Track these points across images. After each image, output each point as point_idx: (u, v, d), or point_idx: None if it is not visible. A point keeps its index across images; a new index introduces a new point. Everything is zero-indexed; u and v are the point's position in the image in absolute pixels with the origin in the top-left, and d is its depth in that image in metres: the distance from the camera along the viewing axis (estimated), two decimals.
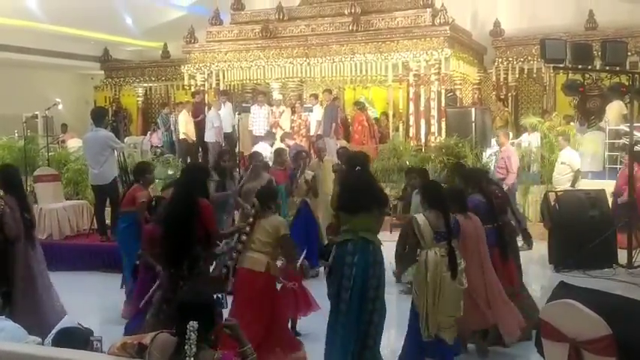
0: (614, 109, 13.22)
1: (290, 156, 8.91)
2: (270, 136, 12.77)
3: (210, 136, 13.65)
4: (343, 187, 5.27)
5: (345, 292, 4.69)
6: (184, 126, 14.05)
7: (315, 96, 14.39)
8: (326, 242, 7.88)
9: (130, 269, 6.24)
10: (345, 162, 5.77)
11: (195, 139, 14.14)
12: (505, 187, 6.70)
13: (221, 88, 14.85)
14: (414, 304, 4.93)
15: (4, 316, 3.68)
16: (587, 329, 3.33)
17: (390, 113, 15.84)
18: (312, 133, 13.63)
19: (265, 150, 11.50)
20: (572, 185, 9.58)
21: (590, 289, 4.06)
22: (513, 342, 5.39)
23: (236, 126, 13.57)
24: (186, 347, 2.85)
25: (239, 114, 13.01)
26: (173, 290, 4.71)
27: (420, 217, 4.92)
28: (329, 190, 8.11)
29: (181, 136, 14.13)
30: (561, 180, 10.14)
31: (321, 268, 7.58)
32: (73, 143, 14.35)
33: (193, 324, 2.86)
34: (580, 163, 10.17)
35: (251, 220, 5.06)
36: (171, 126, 14.89)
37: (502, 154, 10.01)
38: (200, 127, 14.11)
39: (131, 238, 6.34)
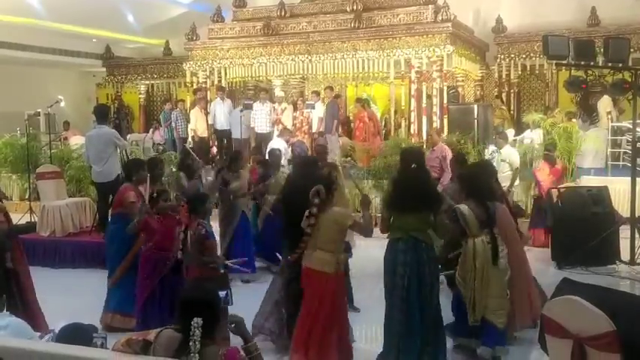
0: (603, 105, 13.25)
1: (295, 152, 8.91)
2: (286, 133, 12.76)
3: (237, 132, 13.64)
4: (396, 185, 5.08)
5: (400, 289, 4.72)
6: (194, 122, 14.05)
7: (317, 93, 14.39)
8: None
9: (111, 270, 6.25)
10: (400, 159, 5.64)
11: (206, 135, 14.15)
12: (440, 188, 6.42)
13: (223, 86, 14.85)
14: (459, 292, 5.09)
15: (8, 312, 3.68)
16: (591, 325, 3.33)
17: (392, 110, 15.85)
18: (313, 130, 13.63)
19: (281, 146, 11.52)
20: (511, 184, 9.14)
21: (594, 286, 4.07)
22: (523, 327, 5.48)
23: (231, 121, 13.58)
24: (190, 344, 2.86)
25: (241, 111, 13.00)
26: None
27: (464, 207, 5.02)
28: None
29: (190, 133, 14.11)
30: (500, 178, 9.90)
31: None
32: (76, 140, 14.37)
33: (197, 320, 2.86)
34: (519, 161, 9.86)
35: (312, 221, 4.67)
36: (172, 123, 14.88)
37: (435, 153, 9.57)
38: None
39: (118, 240, 6.14)
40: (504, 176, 9.24)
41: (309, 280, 4.76)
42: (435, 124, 12.98)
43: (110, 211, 6.39)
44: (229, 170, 7.99)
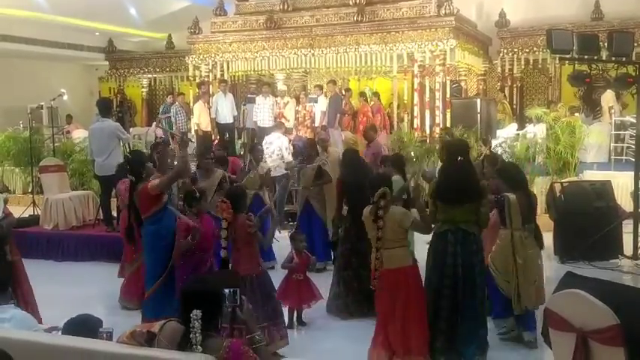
0: (606, 99, 13.23)
1: (297, 147, 8.92)
2: (281, 126, 12.73)
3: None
4: (443, 177, 5.18)
5: (449, 279, 4.88)
6: (198, 116, 14.04)
7: (319, 87, 14.36)
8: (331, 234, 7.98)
9: (159, 272, 5.59)
10: (445, 152, 5.65)
11: (209, 129, 14.15)
12: None
13: (225, 79, 14.83)
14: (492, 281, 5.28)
15: (13, 304, 3.69)
16: (595, 319, 3.33)
17: (395, 104, 15.83)
18: (316, 124, 13.61)
19: (279, 139, 11.50)
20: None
21: (598, 279, 4.07)
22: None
23: (240, 116, 13.58)
24: (191, 335, 2.87)
25: (244, 104, 12.99)
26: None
27: (513, 197, 5.27)
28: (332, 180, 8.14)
29: (194, 127, 14.09)
30: None
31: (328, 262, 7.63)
32: (78, 134, 14.39)
33: (197, 312, 2.88)
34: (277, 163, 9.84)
35: (381, 224, 4.72)
36: (172, 117, 14.85)
37: (371, 150, 9.33)
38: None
39: (159, 247, 5.60)
40: None
41: (392, 282, 4.80)
42: (437, 119, 12.98)
43: (143, 214, 5.67)
44: (197, 167, 7.71)
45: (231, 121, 13.82)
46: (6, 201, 5.63)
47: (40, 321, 5.00)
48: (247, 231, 4.99)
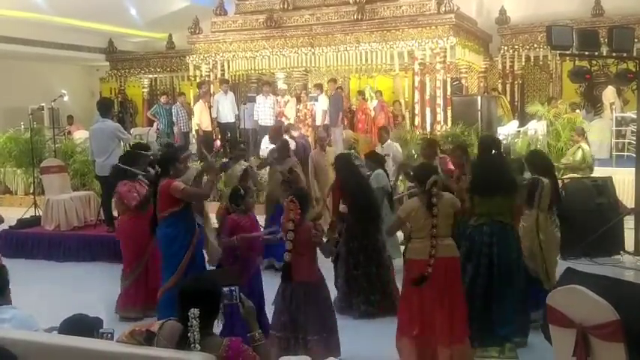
0: (607, 96, 13.22)
1: (299, 145, 8.91)
2: (291, 127, 12.72)
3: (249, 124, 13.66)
4: (478, 171, 5.39)
5: (484, 268, 5.11)
6: (199, 116, 14.05)
7: (319, 86, 14.35)
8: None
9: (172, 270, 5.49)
10: (480, 146, 5.99)
11: (210, 128, 14.15)
12: None
13: (226, 78, 14.84)
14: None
15: (12, 305, 3.69)
16: (595, 315, 3.32)
17: (403, 101, 15.80)
18: (318, 122, 13.60)
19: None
20: (396, 178, 8.74)
21: (598, 275, 4.06)
22: None
23: (240, 115, 13.57)
24: (189, 334, 2.87)
25: (244, 104, 13.00)
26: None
27: (547, 181, 5.58)
28: (330, 180, 8.14)
29: (194, 127, 14.09)
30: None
31: None
32: (79, 134, 14.41)
33: (194, 311, 2.87)
34: (402, 156, 9.62)
35: (435, 210, 4.70)
36: (174, 117, 14.85)
37: (385, 152, 9.04)
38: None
39: (178, 245, 5.49)
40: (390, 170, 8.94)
41: (444, 270, 4.74)
42: (438, 116, 12.97)
43: (161, 213, 5.49)
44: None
45: (233, 120, 13.82)
46: None
47: None
48: (311, 237, 4.78)
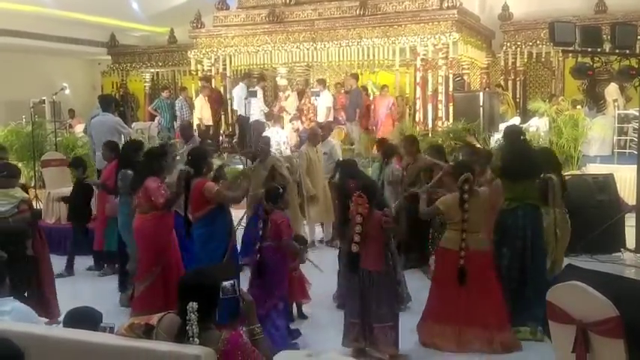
0: (610, 92, 13.18)
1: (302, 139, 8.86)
2: (279, 120, 12.70)
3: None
4: (510, 157, 5.74)
5: (520, 251, 5.43)
6: (199, 111, 14.03)
7: (322, 81, 14.32)
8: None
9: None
10: (505, 136, 6.40)
11: (211, 123, 14.12)
12: None
13: (227, 74, 14.84)
14: None
15: (11, 297, 3.69)
16: (594, 311, 3.32)
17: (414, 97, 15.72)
18: (320, 119, 13.55)
19: (278, 134, 11.49)
20: (332, 176, 8.36)
21: (598, 272, 4.06)
22: None
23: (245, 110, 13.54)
24: (187, 328, 2.86)
25: (245, 98, 12.99)
26: None
27: (557, 179, 5.93)
28: (321, 174, 8.10)
29: (196, 121, 14.07)
30: (324, 169, 9.16)
31: None
32: (81, 128, 14.38)
33: (192, 305, 2.87)
34: (341, 154, 9.53)
35: (466, 205, 5.03)
36: (177, 111, 14.85)
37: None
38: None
39: (213, 247, 5.48)
40: (328, 167, 8.79)
41: (476, 263, 5.07)
42: (439, 112, 12.95)
43: (194, 213, 5.39)
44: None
45: (259, 116, 13.70)
46: (24, 200, 5.64)
47: (57, 315, 5.19)
48: (382, 226, 4.94)
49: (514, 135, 6.08)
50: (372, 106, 14.02)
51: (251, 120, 13.42)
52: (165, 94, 15.83)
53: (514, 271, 5.44)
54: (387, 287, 5.01)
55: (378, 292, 4.92)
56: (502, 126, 12.22)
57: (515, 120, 13.05)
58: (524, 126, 12.16)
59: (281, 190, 5.36)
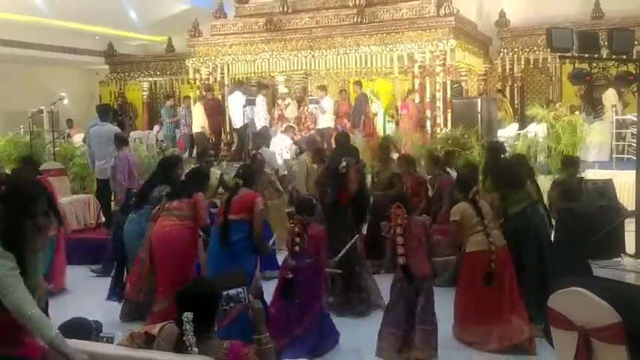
0: (608, 98, 13.20)
1: (301, 147, 8.87)
2: (289, 130, 12.67)
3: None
4: (502, 171, 6.29)
5: (535, 250, 5.77)
6: (202, 118, 14.02)
7: (322, 87, 14.32)
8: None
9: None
10: (491, 150, 7.31)
11: (210, 131, 14.14)
12: None
13: (225, 82, 14.85)
14: None
15: None
16: (597, 317, 3.31)
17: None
18: (321, 125, 13.52)
19: (284, 142, 11.46)
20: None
21: (599, 277, 4.04)
22: None
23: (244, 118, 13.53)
24: (184, 338, 2.85)
25: (244, 106, 12.99)
26: None
27: (531, 185, 6.36)
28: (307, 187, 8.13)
29: (198, 130, 14.02)
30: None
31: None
32: (79, 138, 14.36)
33: (188, 315, 2.85)
34: (280, 163, 9.62)
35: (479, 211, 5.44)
36: (182, 119, 14.86)
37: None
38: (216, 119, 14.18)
39: (248, 252, 5.47)
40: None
41: (503, 259, 5.39)
42: (437, 119, 12.96)
43: (231, 217, 5.44)
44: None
45: (264, 123, 13.74)
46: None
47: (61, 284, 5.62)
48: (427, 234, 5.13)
49: (498, 151, 6.88)
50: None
51: (256, 127, 13.46)
52: (170, 102, 15.83)
53: (532, 270, 5.71)
54: (430, 292, 5.12)
55: (425, 298, 5.02)
56: (500, 132, 12.29)
57: (513, 126, 13.08)
58: (522, 132, 12.24)
59: (314, 201, 5.40)
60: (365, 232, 7.69)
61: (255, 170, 6.13)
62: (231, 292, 3.06)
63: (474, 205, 5.43)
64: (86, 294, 7.36)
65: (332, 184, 6.66)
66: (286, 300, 5.12)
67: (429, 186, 7.99)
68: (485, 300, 5.37)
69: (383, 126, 15.19)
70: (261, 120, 13.41)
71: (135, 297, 5.79)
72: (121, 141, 8.64)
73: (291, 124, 13.23)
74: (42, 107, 14.35)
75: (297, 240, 5.09)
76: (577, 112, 12.57)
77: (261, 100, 13.61)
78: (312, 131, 13.43)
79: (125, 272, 6.61)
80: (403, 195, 5.58)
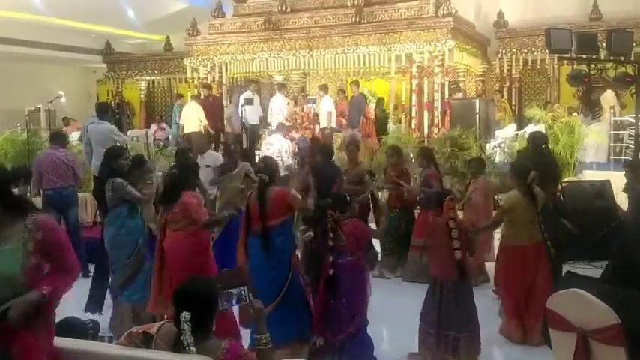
0: (606, 99, 13.22)
1: (299, 147, 8.84)
2: (282, 128, 12.63)
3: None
4: (543, 160, 6.48)
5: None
6: (199, 118, 13.97)
7: (323, 87, 14.30)
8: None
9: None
10: (531, 141, 7.11)
11: (213, 131, 14.11)
12: None
13: (223, 81, 14.82)
14: None
15: None
16: (595, 318, 3.31)
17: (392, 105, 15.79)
18: (322, 124, 13.52)
19: (279, 141, 11.43)
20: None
21: (597, 278, 4.04)
22: None
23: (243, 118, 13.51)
24: (182, 337, 2.83)
25: (242, 106, 12.97)
26: None
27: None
28: None
29: (194, 129, 13.95)
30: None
31: None
32: (76, 136, 14.32)
33: (185, 314, 2.84)
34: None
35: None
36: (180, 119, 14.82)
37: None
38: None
39: (287, 254, 5.26)
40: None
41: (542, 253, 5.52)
42: (435, 119, 12.97)
43: (272, 222, 5.18)
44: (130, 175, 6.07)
45: (258, 122, 13.66)
46: None
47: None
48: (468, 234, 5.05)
49: (538, 142, 6.85)
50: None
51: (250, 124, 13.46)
52: (179, 101, 15.77)
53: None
54: (465, 295, 5.01)
55: (456, 301, 4.93)
56: (498, 133, 12.29)
57: (512, 127, 13.08)
58: (519, 133, 12.24)
59: (348, 197, 5.15)
60: None
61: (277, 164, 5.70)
62: (233, 290, 3.04)
63: (531, 195, 5.41)
64: (82, 293, 7.32)
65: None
66: (332, 298, 4.94)
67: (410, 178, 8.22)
68: (527, 292, 5.47)
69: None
70: (255, 119, 13.40)
71: (161, 310, 5.35)
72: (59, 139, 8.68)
73: (282, 121, 13.09)
74: (39, 105, 14.30)
75: (332, 235, 4.93)
76: (575, 114, 12.58)
77: (256, 99, 13.63)
78: (309, 131, 13.42)
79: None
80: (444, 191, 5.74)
